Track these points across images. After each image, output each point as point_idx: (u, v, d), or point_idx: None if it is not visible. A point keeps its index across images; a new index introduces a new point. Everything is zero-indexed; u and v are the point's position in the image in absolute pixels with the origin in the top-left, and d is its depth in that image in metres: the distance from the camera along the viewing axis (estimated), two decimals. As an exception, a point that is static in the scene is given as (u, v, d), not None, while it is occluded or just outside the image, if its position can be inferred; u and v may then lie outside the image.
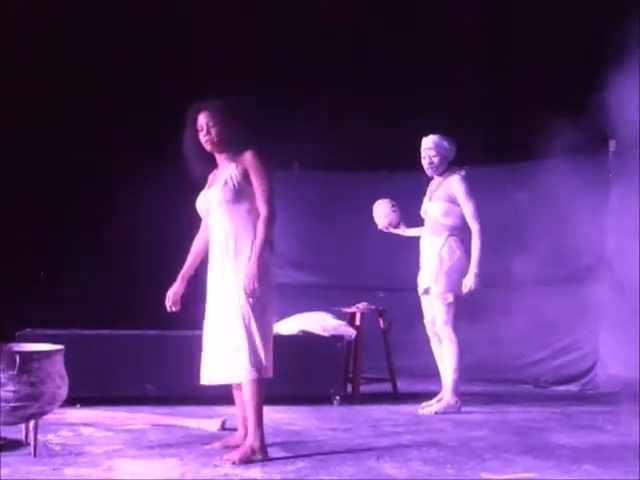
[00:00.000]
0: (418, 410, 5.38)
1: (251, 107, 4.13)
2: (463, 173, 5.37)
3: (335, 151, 6.87)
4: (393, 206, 5.66)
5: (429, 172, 5.46)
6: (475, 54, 7.16)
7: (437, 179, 5.46)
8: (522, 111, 6.95)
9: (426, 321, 5.54)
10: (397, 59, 7.17)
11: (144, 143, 7.18)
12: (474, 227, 5.26)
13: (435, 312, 5.41)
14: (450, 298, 5.32)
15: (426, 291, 5.44)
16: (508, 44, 7.06)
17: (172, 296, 4.18)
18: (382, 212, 5.67)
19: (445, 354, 5.38)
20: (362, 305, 6.10)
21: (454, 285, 5.29)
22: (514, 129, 6.56)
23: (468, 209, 5.29)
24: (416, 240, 5.68)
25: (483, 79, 7.06)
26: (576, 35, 6.78)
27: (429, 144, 5.41)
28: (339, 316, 5.96)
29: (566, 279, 6.71)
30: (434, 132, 5.49)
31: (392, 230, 5.71)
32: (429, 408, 5.36)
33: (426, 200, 5.52)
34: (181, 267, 4.24)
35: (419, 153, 5.48)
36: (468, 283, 5.25)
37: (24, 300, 6.48)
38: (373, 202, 5.71)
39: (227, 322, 3.91)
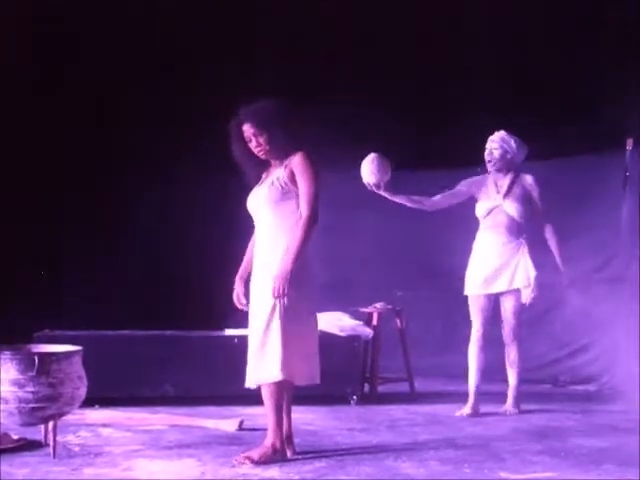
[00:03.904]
0: (457, 413, 5.30)
1: (293, 106, 4.05)
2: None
3: (352, 151, 6.86)
4: (381, 165, 5.28)
5: (488, 165, 5.41)
6: (486, 51, 7.13)
7: (502, 178, 5.40)
8: (536, 109, 6.91)
9: (481, 321, 5.39)
10: (417, 59, 7.15)
11: (151, 142, 7.20)
12: (550, 227, 5.32)
13: (510, 313, 5.33)
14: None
15: (507, 291, 5.32)
16: (520, 38, 7.03)
17: (238, 299, 4.12)
18: (367, 170, 5.32)
19: (516, 356, 5.36)
20: (379, 305, 6.08)
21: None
22: (526, 127, 6.51)
23: (544, 209, 5.34)
24: (432, 238, 5.65)
25: (494, 76, 7.03)
26: (593, 29, 6.74)
27: (495, 137, 5.41)
28: (356, 316, 5.95)
29: (583, 278, 6.66)
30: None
31: (375, 190, 5.34)
32: (510, 409, 5.36)
33: (494, 198, 5.37)
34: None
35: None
36: (564, 282, 5.32)
37: (42, 301, 6.51)
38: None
39: (259, 323, 3.90)
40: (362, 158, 5.34)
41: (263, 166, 4.06)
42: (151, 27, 7.21)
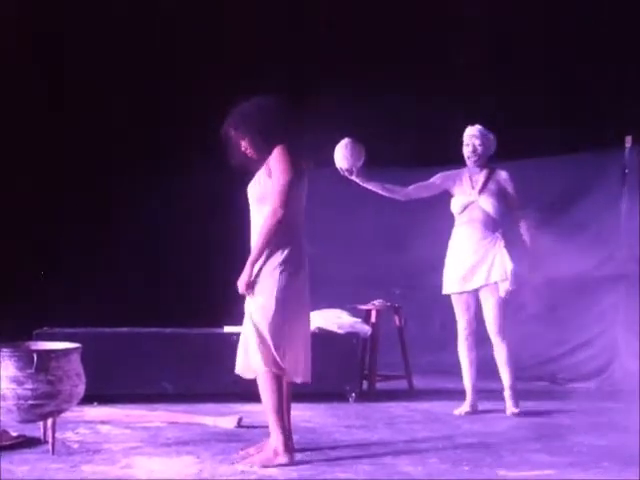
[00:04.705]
0: (455, 412, 5.25)
1: (281, 100, 4.04)
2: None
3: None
4: (354, 150, 5.07)
5: (470, 161, 5.29)
6: (487, 50, 7.13)
7: (477, 174, 5.29)
8: (536, 107, 6.91)
9: (467, 319, 5.30)
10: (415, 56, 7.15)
11: (152, 142, 7.20)
12: (525, 222, 5.22)
13: (493, 308, 5.19)
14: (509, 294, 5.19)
15: (483, 287, 5.20)
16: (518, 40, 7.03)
17: None
18: (340, 154, 5.10)
19: (506, 355, 5.21)
20: (377, 302, 6.09)
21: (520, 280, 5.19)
22: (523, 125, 6.51)
23: (519, 205, 5.24)
24: (431, 236, 5.62)
25: (490, 74, 7.03)
26: (592, 28, 6.73)
27: (475, 132, 5.28)
28: (354, 313, 5.96)
29: (582, 275, 6.66)
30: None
31: (347, 175, 5.19)
32: (513, 409, 5.20)
33: (469, 193, 5.26)
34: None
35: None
36: (536, 277, 5.19)
37: (42, 298, 6.52)
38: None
39: (246, 316, 3.90)
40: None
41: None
42: (151, 27, 7.22)
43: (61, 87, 7.30)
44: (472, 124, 5.33)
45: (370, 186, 5.29)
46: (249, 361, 3.86)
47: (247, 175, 4.04)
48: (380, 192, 5.34)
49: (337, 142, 5.12)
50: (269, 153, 3.89)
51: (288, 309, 3.84)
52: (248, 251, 3.93)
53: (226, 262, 6.45)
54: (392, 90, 6.94)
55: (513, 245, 5.22)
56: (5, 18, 6.69)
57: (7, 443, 3.99)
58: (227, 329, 5.56)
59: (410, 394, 6.00)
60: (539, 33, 7.07)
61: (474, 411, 5.29)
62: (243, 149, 3.97)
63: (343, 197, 6.82)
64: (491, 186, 5.25)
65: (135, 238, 7.15)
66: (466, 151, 5.31)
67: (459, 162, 5.44)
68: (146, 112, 7.16)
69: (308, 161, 4.01)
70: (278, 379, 3.83)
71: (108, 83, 7.17)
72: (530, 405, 5.48)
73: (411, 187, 5.39)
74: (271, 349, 3.80)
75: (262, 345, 3.81)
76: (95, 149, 7.25)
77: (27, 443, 4.05)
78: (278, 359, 3.81)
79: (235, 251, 4.45)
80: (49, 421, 3.92)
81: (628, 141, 6.55)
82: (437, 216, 5.70)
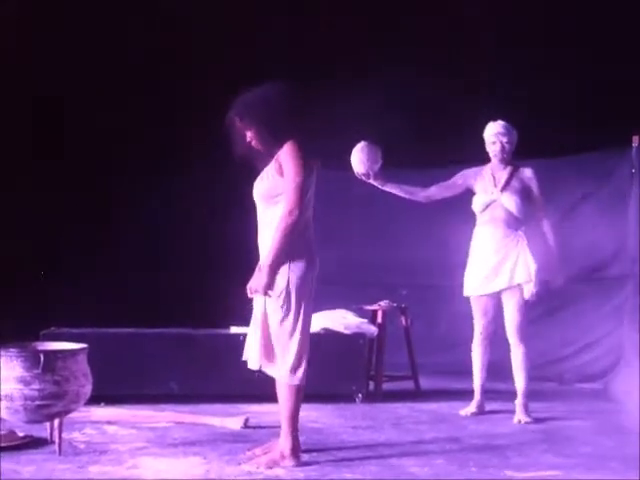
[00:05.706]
0: (462, 413, 5.22)
1: (289, 89, 3.90)
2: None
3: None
4: (371, 153, 5.02)
5: (497, 159, 5.13)
6: (489, 50, 7.12)
7: (501, 171, 5.15)
8: (541, 106, 6.90)
9: (484, 323, 5.20)
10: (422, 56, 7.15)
11: (151, 141, 7.20)
12: (548, 221, 5.10)
13: (515, 311, 5.06)
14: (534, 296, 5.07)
15: (508, 288, 5.07)
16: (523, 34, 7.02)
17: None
18: (356, 158, 5.03)
19: (523, 360, 5.09)
20: (384, 302, 6.07)
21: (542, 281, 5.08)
22: (534, 125, 6.49)
23: (542, 203, 5.11)
24: (438, 235, 5.61)
25: (497, 73, 7.02)
26: (597, 28, 6.73)
27: (501, 129, 5.11)
28: (361, 314, 5.94)
29: (588, 275, 6.66)
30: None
31: (365, 179, 5.13)
32: (522, 418, 5.06)
33: (491, 191, 5.12)
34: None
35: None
36: (560, 278, 5.11)
37: (49, 299, 6.51)
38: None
39: (270, 320, 3.78)
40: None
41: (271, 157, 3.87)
42: (151, 27, 7.21)
43: (61, 87, 7.28)
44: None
45: (389, 189, 5.20)
46: (277, 367, 3.78)
47: (250, 170, 3.98)
48: (400, 194, 5.25)
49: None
50: (278, 147, 3.77)
51: (303, 312, 3.76)
52: (248, 250, 3.91)
53: (226, 262, 6.47)
54: (392, 90, 6.94)
55: (534, 244, 5.08)
56: (5, 18, 6.68)
57: (14, 443, 3.99)
58: (234, 329, 5.55)
59: (416, 395, 5.99)
60: (539, 33, 7.06)
61: (481, 412, 5.27)
62: (249, 140, 3.84)
63: (348, 197, 6.83)
64: (514, 184, 5.10)
65: (135, 238, 7.13)
66: (492, 149, 5.15)
67: (469, 160, 5.39)
68: (146, 112, 7.15)
69: (316, 159, 3.93)
70: (301, 387, 3.78)
71: (108, 83, 7.16)
72: (537, 406, 5.47)
73: (433, 188, 5.29)
74: (295, 358, 3.74)
75: (287, 353, 3.74)
76: (95, 149, 7.24)
77: (34, 443, 4.05)
78: (302, 367, 3.75)
79: (235, 251, 4.43)
80: (56, 421, 3.91)
81: (635, 140, 6.52)
82: (445, 216, 5.70)
